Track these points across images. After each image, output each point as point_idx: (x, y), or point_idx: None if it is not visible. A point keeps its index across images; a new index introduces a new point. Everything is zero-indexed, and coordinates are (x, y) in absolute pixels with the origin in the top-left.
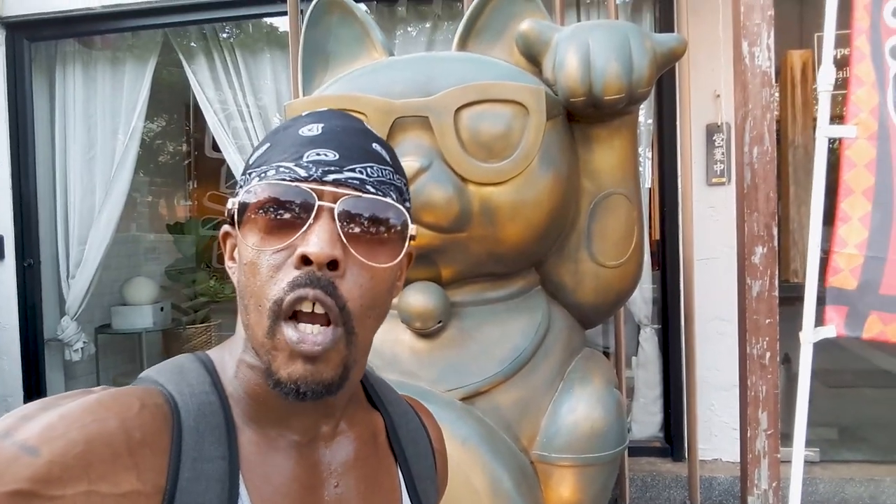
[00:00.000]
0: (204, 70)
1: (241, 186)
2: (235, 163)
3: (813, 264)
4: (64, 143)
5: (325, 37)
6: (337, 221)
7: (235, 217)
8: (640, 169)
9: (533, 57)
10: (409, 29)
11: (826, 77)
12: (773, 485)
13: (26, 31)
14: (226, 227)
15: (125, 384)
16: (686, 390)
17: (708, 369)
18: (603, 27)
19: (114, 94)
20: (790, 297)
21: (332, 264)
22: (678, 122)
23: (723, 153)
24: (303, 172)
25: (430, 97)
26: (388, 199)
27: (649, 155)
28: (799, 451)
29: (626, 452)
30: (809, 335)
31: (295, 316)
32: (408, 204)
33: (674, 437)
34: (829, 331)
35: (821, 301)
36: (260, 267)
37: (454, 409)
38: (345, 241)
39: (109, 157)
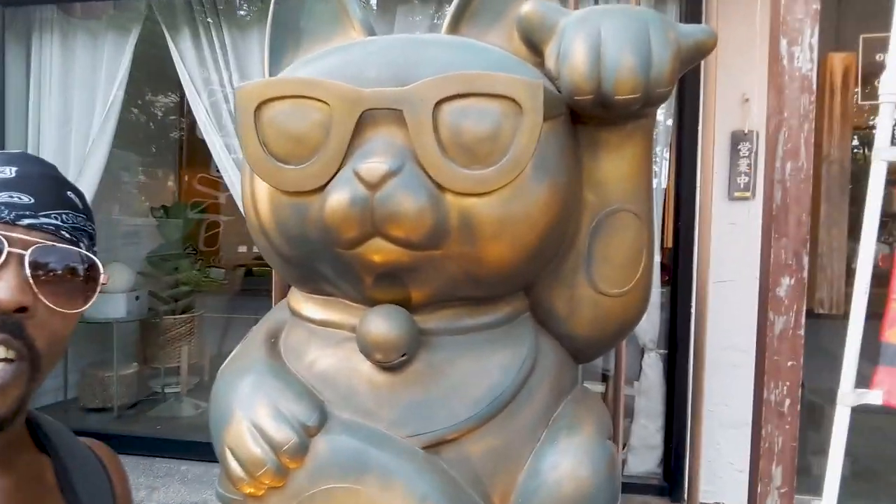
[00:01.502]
0: (188, 45)
1: None
2: (216, 146)
3: (859, 309)
4: (38, 115)
5: (298, 11)
6: (27, 269)
7: None
8: (656, 172)
9: (534, 45)
10: (411, 15)
11: (891, 85)
12: None
13: None
14: None
15: (96, 375)
16: (690, 425)
17: (716, 404)
18: (618, 13)
19: (93, 66)
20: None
21: (21, 310)
22: (700, 127)
23: (749, 164)
24: None
25: (407, 87)
26: (80, 248)
27: (666, 156)
28: None
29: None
30: (849, 397)
31: None
32: (96, 248)
33: (674, 475)
34: (875, 396)
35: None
36: None
37: (414, 459)
38: (34, 288)
39: (85, 132)
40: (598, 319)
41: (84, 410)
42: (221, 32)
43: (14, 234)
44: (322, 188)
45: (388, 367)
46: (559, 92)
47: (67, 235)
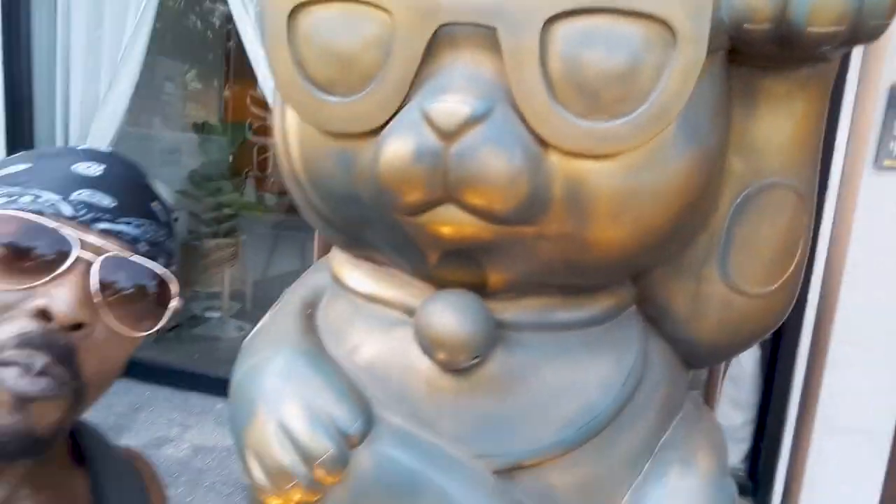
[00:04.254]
0: None
1: None
2: (261, 62)
3: None
4: (67, 16)
5: None
6: (93, 280)
7: None
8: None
9: None
10: None
11: None
12: None
13: None
14: None
15: None
16: (795, 426)
17: (825, 405)
18: None
19: None
20: None
21: (77, 326)
22: (848, 77)
23: None
24: (68, 211)
25: None
26: (157, 266)
27: None
28: None
29: None
30: None
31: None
32: (174, 268)
33: (760, 476)
34: None
35: None
36: None
37: (482, 487)
38: (96, 302)
39: (119, 37)
40: (728, 323)
41: None
42: None
43: (87, 238)
44: (377, 131)
45: (454, 370)
46: (722, 18)
47: (144, 248)
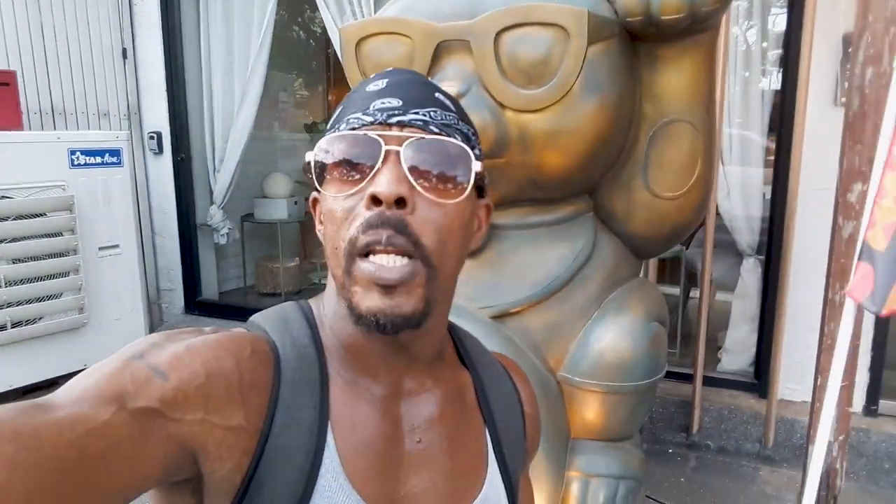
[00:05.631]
0: None
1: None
2: None
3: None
4: (208, 52)
5: None
6: (403, 163)
7: (315, 178)
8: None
9: None
10: None
11: None
12: (840, 438)
13: None
14: (314, 194)
15: (267, 266)
16: (774, 326)
17: (808, 307)
18: None
19: (245, 5)
20: None
21: (401, 202)
22: (803, 29)
23: None
24: (368, 119)
25: (472, 20)
26: (453, 139)
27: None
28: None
29: (699, 382)
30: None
31: (369, 252)
32: (477, 151)
33: (762, 374)
34: (849, 301)
35: None
36: (336, 214)
37: (483, 325)
38: (412, 180)
39: (245, 62)
40: (653, 220)
41: (259, 294)
42: None
43: (388, 133)
44: None
45: None
46: (608, 17)
47: (436, 130)
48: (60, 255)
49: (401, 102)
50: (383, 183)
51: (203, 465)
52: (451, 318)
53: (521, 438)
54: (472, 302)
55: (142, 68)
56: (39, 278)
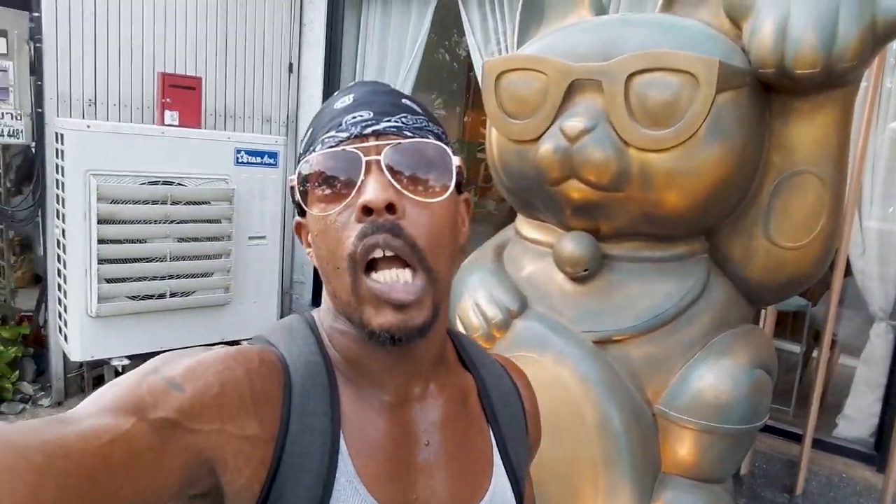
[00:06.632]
0: (475, 12)
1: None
2: None
3: None
4: (363, 67)
5: None
6: (385, 170)
7: (300, 202)
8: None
9: (736, 21)
10: None
11: None
12: None
13: None
14: (297, 219)
15: None
16: None
17: None
18: None
19: (402, 28)
20: None
21: (391, 208)
22: None
23: None
24: (344, 135)
25: (606, 62)
26: (428, 139)
27: None
28: None
29: (808, 440)
30: None
31: (371, 266)
32: (444, 141)
33: (882, 447)
34: None
35: None
36: (328, 233)
37: (584, 347)
38: (396, 185)
39: (394, 81)
40: (769, 267)
41: None
42: (503, 4)
43: (366, 144)
44: (537, 139)
45: (575, 279)
46: (741, 66)
47: (410, 134)
48: (217, 239)
49: (371, 113)
50: (370, 192)
51: (222, 476)
52: (555, 335)
53: (523, 436)
54: (576, 324)
55: (304, 82)
56: (197, 257)
